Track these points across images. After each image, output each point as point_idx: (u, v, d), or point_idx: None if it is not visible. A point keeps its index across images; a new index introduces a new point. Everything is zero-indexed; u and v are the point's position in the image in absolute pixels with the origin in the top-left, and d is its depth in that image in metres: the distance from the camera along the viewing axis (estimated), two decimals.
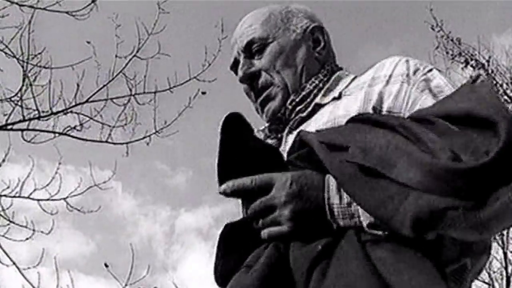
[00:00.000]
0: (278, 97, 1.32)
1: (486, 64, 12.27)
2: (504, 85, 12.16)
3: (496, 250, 11.91)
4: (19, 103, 5.79)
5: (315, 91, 1.30)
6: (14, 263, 5.63)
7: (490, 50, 12.50)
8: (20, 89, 5.79)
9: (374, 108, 1.16)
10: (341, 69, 1.38)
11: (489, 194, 0.89)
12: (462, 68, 12.46)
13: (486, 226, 0.89)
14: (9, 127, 5.82)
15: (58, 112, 5.88)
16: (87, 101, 6.01)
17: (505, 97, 12.13)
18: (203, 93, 6.06)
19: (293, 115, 1.30)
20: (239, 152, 1.08)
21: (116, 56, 6.01)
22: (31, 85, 5.80)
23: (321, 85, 1.31)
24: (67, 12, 5.95)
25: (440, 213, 0.89)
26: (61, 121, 6.00)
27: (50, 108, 5.85)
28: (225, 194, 1.07)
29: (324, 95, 1.29)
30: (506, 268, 11.71)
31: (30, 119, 5.83)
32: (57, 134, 5.94)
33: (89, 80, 6.01)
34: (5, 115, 5.83)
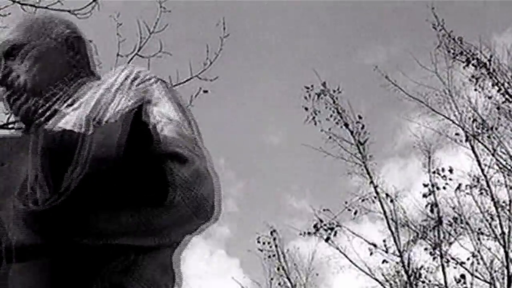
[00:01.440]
0: (27, 98, 1.38)
1: (487, 63, 12.27)
2: (506, 84, 12.16)
3: (497, 250, 11.93)
4: None
5: (58, 95, 1.37)
6: None
7: (491, 49, 12.51)
8: None
9: (88, 117, 1.23)
10: (93, 75, 1.46)
11: (59, 231, 1.04)
12: (464, 67, 12.47)
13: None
14: (10, 126, 5.81)
15: None
16: None
17: (507, 95, 12.12)
18: (205, 91, 6.01)
19: (35, 117, 1.37)
20: None
21: (117, 54, 5.94)
22: None
23: (65, 88, 1.38)
24: (69, 11, 5.91)
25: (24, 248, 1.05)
26: None
27: None
28: None
29: (63, 101, 1.36)
30: (507, 267, 11.72)
31: None
32: None
33: None
34: (6, 114, 5.82)
